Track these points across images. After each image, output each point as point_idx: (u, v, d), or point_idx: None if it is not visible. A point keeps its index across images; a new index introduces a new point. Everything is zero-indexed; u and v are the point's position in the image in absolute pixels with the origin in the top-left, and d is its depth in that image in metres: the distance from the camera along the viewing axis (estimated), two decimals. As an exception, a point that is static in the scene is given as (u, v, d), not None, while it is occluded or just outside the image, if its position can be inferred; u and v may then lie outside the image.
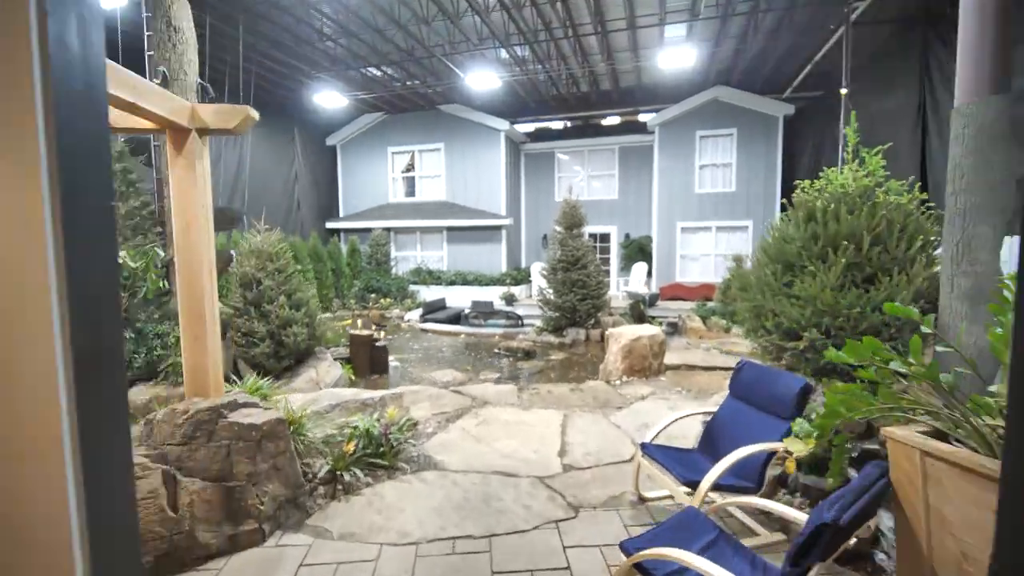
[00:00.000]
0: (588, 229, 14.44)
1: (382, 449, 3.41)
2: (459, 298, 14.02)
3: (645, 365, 6.25)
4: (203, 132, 2.92)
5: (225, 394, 3.06)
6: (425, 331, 10.66)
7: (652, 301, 12.13)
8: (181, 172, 2.85)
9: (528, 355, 8.21)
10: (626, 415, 4.68)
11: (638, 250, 14.95)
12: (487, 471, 3.42)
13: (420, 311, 12.33)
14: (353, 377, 6.84)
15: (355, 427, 3.46)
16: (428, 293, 14.57)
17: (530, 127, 16.63)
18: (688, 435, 3.69)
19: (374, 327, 11.20)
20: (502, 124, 14.34)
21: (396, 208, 15.51)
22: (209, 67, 9.80)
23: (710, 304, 11.19)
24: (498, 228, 14.66)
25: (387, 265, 14.76)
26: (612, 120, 16.32)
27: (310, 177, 15.21)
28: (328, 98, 12.70)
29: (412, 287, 14.79)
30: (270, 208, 13.75)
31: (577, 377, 6.87)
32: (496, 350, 8.54)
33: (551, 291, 9.34)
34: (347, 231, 15.85)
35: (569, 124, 16.95)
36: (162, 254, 5.14)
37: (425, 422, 4.37)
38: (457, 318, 12.04)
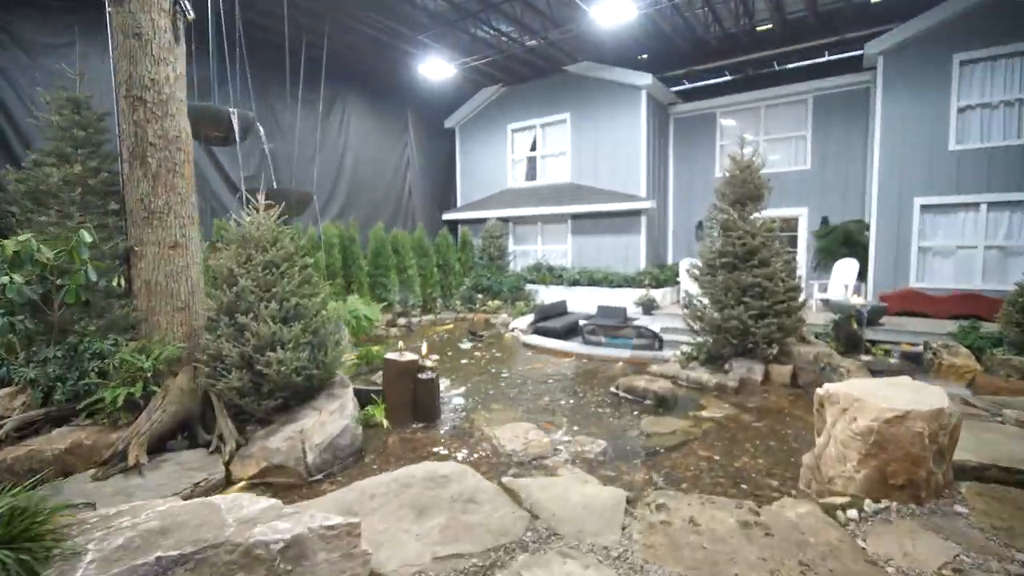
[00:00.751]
0: (769, 212, 10.77)
1: None
2: (584, 301, 11.31)
3: (916, 475, 2.93)
4: None
5: None
6: (528, 346, 8.21)
7: (874, 317, 7.90)
8: None
9: (663, 403, 5.19)
10: None
11: (842, 241, 10.42)
12: None
13: (532, 317, 9.95)
14: (386, 423, 4.70)
15: None
16: (547, 294, 12.14)
17: (681, 84, 12.99)
18: None
19: (470, 334, 9.15)
20: (642, 78, 11.14)
21: (515, 194, 13.37)
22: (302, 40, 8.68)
23: (987, 327, 6.76)
24: (636, 214, 11.52)
25: (502, 260, 12.71)
26: (799, 63, 11.83)
27: (424, 164, 13.91)
28: (435, 67, 11.04)
29: (529, 287, 12.51)
30: (377, 198, 12.75)
31: (754, 476, 3.72)
32: (615, 388, 5.68)
33: (705, 300, 6.10)
34: (464, 222, 14.25)
35: (731, 76, 12.85)
36: (89, 238, 3.52)
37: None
38: (575, 329, 9.38)
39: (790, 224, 11.46)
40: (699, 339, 6.35)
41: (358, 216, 11.51)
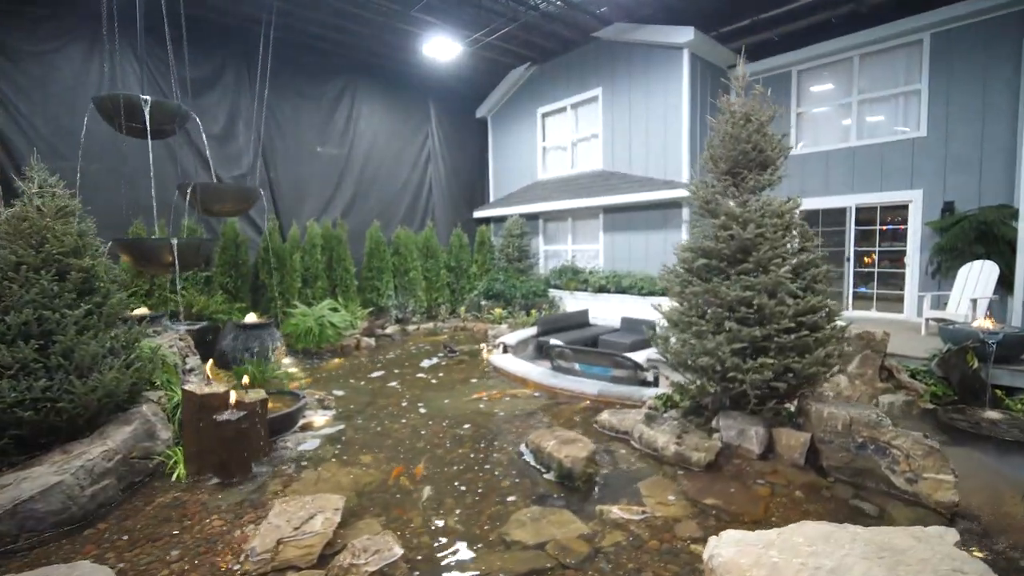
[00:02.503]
0: (860, 199, 8.15)
1: None
2: (612, 311, 9.42)
3: None
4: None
5: None
6: (498, 370, 6.64)
7: (1011, 351, 5.10)
8: None
9: (568, 481, 3.39)
10: None
11: (974, 236, 7.23)
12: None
13: (533, 330, 8.35)
14: (183, 473, 3.59)
15: None
16: (573, 302, 10.38)
17: (744, 38, 10.29)
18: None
19: (445, 349, 7.85)
20: (682, 34, 8.87)
21: (544, 187, 11.73)
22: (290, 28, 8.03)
23: None
24: (675, 205, 9.28)
25: (522, 263, 11.18)
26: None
27: (451, 157, 12.85)
28: (441, 46, 9.90)
29: (553, 293, 10.83)
30: (389, 196, 11.92)
31: None
32: (524, 447, 3.96)
33: (677, 324, 4.07)
34: (495, 220, 12.95)
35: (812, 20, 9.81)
36: None
37: None
38: (594, 345, 7.60)
39: (895, 213, 8.36)
40: (680, 375, 4.34)
41: (368, 215, 10.79)
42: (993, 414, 4.90)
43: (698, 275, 3.86)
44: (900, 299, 8.32)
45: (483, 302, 10.24)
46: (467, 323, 9.93)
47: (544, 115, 11.90)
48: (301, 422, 4.67)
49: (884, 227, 8.47)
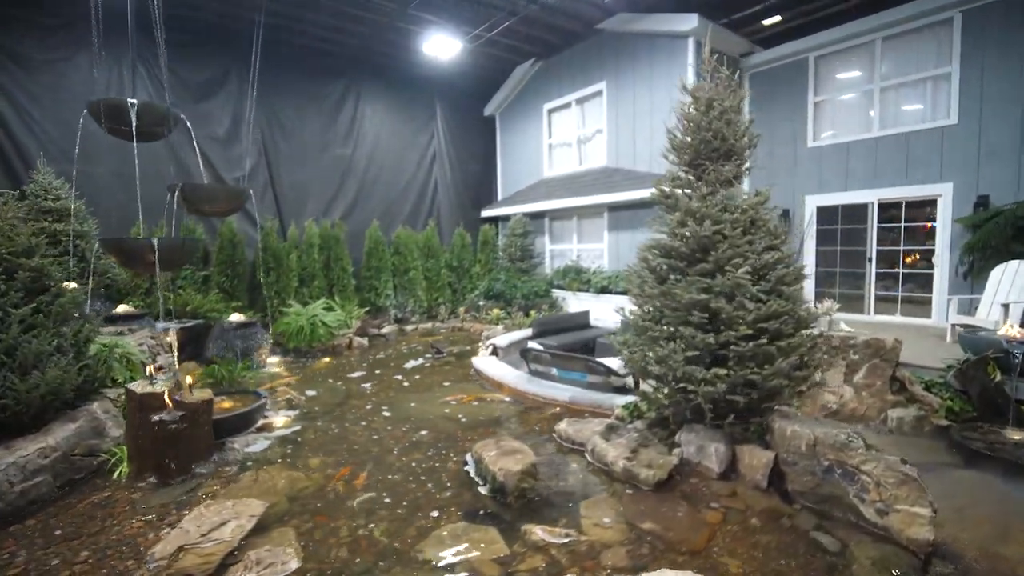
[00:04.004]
0: (884, 194, 7.63)
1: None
2: (614, 312, 9.04)
3: None
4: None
5: None
6: (478, 373, 6.44)
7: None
8: None
9: (501, 496, 3.17)
10: None
11: (1011, 233, 6.53)
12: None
13: (527, 332, 8.13)
14: (126, 470, 3.59)
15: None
16: (576, 303, 10.09)
17: (759, 25, 9.70)
18: None
19: (432, 350, 7.73)
20: (685, 21, 8.43)
21: (550, 185, 11.46)
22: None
23: None
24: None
25: (525, 263, 10.96)
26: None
27: (458, 156, 12.75)
28: (440, 45, 9.81)
29: (557, 293, 10.57)
30: (393, 196, 11.89)
31: None
32: (469, 457, 3.76)
33: (635, 328, 3.77)
34: (503, 219, 12.76)
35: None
36: None
37: None
38: (591, 350, 7.34)
39: (919, 209, 7.67)
40: (647, 386, 4.04)
41: (371, 215, 10.81)
42: (1015, 434, 4.35)
43: (657, 275, 3.56)
44: (927, 302, 7.63)
45: (482, 302, 10.08)
46: (465, 323, 9.79)
47: (550, 111, 11.62)
48: (261, 422, 4.63)
49: (910, 224, 7.79)
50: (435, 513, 3.15)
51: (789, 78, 8.96)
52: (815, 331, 3.45)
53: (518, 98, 12.38)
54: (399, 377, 6.42)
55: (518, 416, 4.92)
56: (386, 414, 5.03)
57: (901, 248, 7.88)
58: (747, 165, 3.56)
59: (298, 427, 4.66)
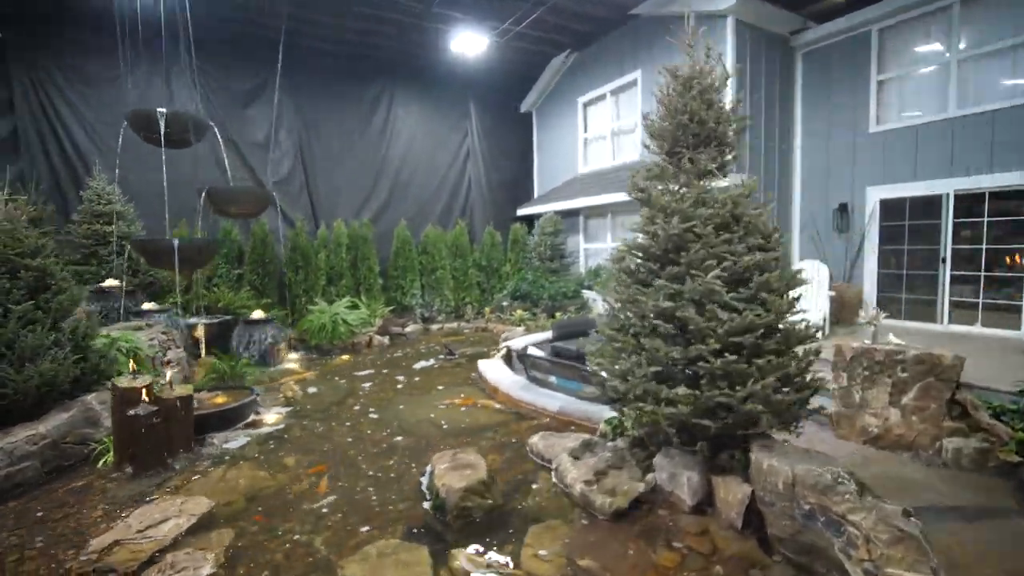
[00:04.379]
0: (961, 184, 6.78)
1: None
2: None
3: None
4: None
5: None
6: (481, 377, 6.24)
7: None
8: None
9: (440, 515, 2.96)
10: None
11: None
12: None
13: (547, 334, 7.84)
14: (108, 462, 3.77)
15: None
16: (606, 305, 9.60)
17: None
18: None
19: (445, 350, 7.65)
20: (724, 0, 7.71)
21: (584, 181, 11.03)
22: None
23: None
24: (717, 197, 8.11)
25: (555, 262, 10.62)
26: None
27: (492, 154, 12.61)
28: (467, 41, 9.72)
29: (587, 294, 10.15)
30: (426, 195, 11.96)
31: None
32: (426, 472, 3.58)
33: (606, 338, 3.39)
34: (537, 217, 12.47)
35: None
36: None
37: None
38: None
39: (1008, 203, 6.49)
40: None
41: (404, 215, 10.95)
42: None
43: (635, 278, 3.18)
44: (1016, 311, 6.47)
45: (504, 303, 9.88)
46: (490, 324, 9.64)
47: (585, 104, 11.17)
48: (252, 418, 4.74)
49: (994, 219, 6.63)
50: (378, 527, 3.00)
51: (848, 55, 7.95)
52: (813, 346, 2.92)
53: (553, 93, 12.03)
54: (401, 377, 6.38)
55: (505, 425, 4.68)
56: (373, 416, 4.97)
57: (984, 247, 6.73)
58: (733, 154, 3.07)
59: (285, 425, 4.71)
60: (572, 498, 3.15)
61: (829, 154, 8.30)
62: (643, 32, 9.45)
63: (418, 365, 7.04)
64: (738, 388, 2.61)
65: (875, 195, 7.70)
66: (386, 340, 8.49)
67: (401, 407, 5.21)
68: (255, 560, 2.73)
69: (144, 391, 3.70)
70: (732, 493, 2.77)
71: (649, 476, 3.19)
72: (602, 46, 10.44)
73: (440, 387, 5.92)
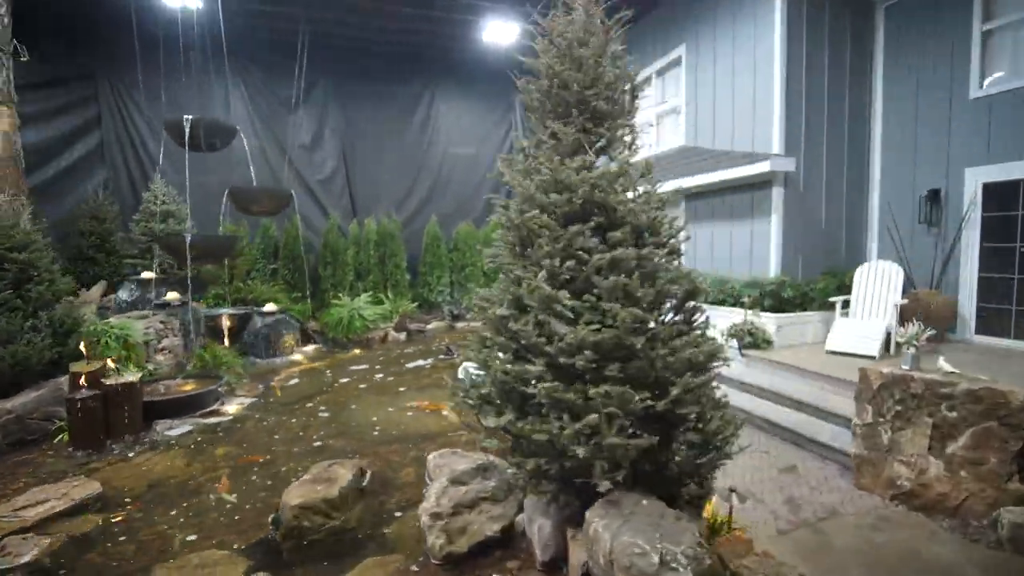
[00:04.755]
0: None
1: None
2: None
3: None
4: None
5: None
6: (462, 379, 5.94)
7: None
8: None
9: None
10: None
11: None
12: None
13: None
14: (64, 439, 4.12)
15: None
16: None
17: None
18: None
19: (447, 349, 7.46)
20: (771, -47, 6.49)
21: (627, 173, 10.12)
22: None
23: None
24: (763, 184, 6.95)
25: (590, 260, 9.89)
26: None
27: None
28: (500, 31, 9.44)
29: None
30: (466, 192, 11.82)
31: None
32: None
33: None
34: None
35: None
36: None
37: None
38: None
39: None
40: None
41: (443, 212, 10.97)
42: None
43: (502, 271, 2.67)
44: None
45: (530, 303, 9.40)
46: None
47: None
48: (212, 407, 4.91)
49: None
50: (235, 533, 2.87)
51: (943, 7, 6.27)
52: (711, 374, 2.18)
53: (601, 79, 11.22)
54: (381, 376, 6.28)
55: (454, 433, 4.32)
56: (323, 415, 4.90)
57: None
58: (606, 125, 2.40)
59: (241, 416, 4.82)
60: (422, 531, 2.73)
61: (916, 128, 6.66)
62: (692, 4, 8.37)
63: (412, 364, 6.91)
64: (566, 422, 2.01)
65: (975, 178, 6.00)
66: (402, 336, 8.51)
67: (354, 407, 5.08)
68: (90, 550, 2.73)
69: (83, 376, 3.96)
70: (576, 556, 2.17)
71: (520, 517, 2.67)
72: (648, 22, 9.46)
73: (410, 389, 5.71)
